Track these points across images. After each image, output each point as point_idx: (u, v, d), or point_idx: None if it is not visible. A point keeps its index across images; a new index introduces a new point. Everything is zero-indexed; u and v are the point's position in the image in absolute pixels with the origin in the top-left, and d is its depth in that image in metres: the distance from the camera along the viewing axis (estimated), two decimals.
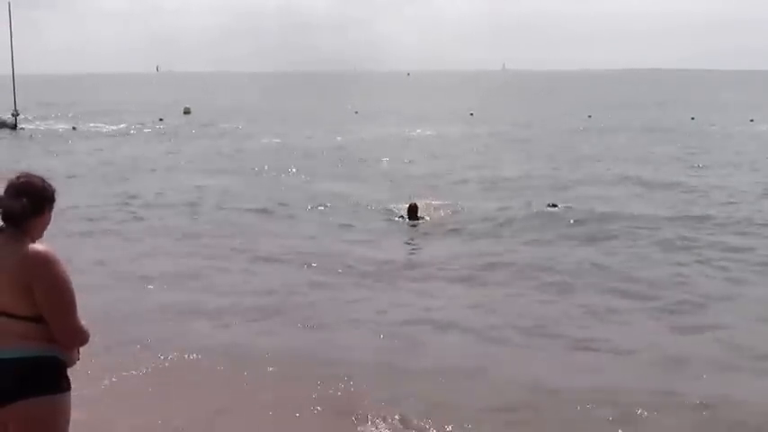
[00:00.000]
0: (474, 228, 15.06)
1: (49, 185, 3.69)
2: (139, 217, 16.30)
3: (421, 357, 8.24)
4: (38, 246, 3.54)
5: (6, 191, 3.59)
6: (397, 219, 15.73)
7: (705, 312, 9.82)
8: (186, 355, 7.97)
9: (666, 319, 9.57)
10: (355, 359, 8.03)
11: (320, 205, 17.28)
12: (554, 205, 16.82)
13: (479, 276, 11.55)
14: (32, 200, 3.57)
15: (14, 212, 3.53)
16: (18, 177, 3.64)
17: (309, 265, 11.97)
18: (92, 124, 46.55)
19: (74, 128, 43.95)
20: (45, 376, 3.51)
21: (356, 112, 52.48)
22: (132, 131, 40.46)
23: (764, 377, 7.84)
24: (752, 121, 45.39)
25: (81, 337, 3.58)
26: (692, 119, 47.69)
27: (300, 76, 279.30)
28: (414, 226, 15.24)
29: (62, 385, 3.57)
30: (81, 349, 3.71)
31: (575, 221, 15.31)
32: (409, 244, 14.14)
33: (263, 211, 16.80)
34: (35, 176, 3.67)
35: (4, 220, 3.57)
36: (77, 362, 3.72)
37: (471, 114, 52.24)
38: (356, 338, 8.84)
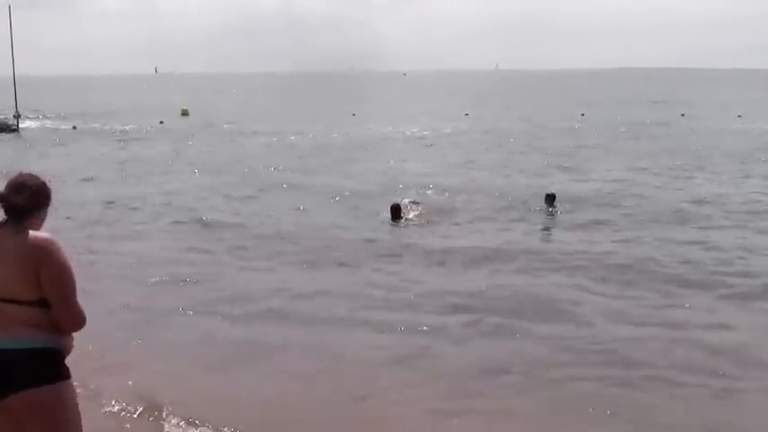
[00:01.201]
0: (459, 229, 15.04)
1: (46, 184, 3.92)
2: (132, 219, 16.49)
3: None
4: (41, 234, 3.73)
5: (7, 188, 3.79)
6: (381, 220, 15.79)
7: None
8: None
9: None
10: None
11: (307, 205, 17.62)
12: (552, 197, 16.58)
13: (455, 280, 11.33)
14: (33, 196, 3.79)
15: (18, 207, 3.72)
16: (18, 176, 3.85)
17: (282, 269, 12.09)
18: (93, 125, 47.04)
19: (74, 127, 44.66)
20: (45, 366, 3.65)
21: (353, 114, 52.74)
22: (132, 133, 40.80)
23: None
24: (739, 116, 47.35)
25: (81, 319, 3.76)
26: (682, 115, 49.23)
27: (299, 76, 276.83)
28: (395, 227, 15.31)
29: (62, 373, 3.71)
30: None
31: (567, 230, 14.85)
32: (384, 244, 13.97)
33: (250, 215, 16.82)
34: (33, 175, 3.89)
35: (7, 214, 3.75)
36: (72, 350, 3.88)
37: (467, 114, 52.60)
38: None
